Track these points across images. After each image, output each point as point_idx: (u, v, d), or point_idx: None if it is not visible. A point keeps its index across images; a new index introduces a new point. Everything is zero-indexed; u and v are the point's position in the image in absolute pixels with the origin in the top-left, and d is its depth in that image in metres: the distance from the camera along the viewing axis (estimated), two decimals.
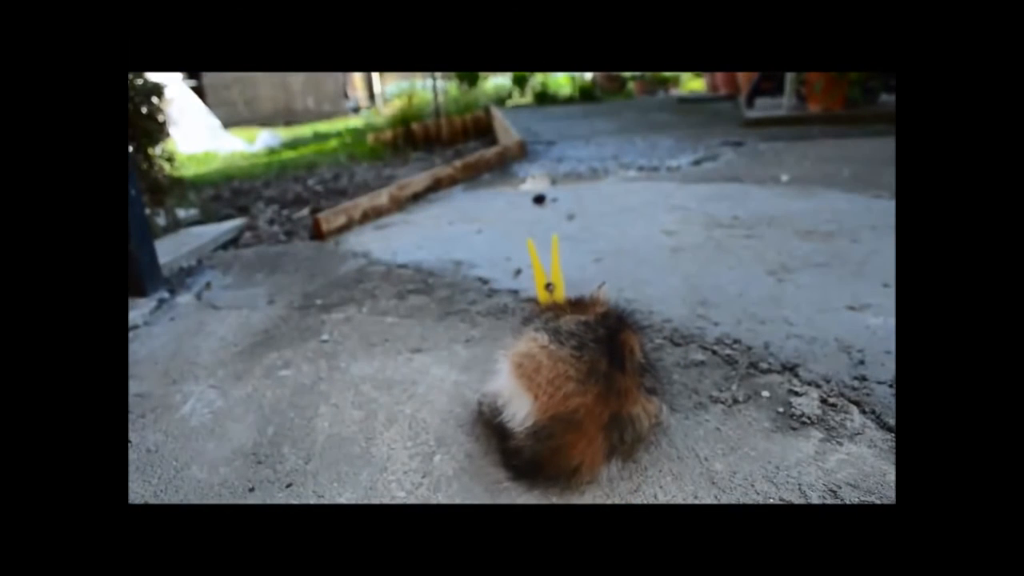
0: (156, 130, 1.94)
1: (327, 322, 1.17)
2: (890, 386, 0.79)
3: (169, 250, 1.69)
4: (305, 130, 6.85)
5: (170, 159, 2.05)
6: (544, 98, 8.59)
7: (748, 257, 1.42)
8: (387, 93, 8.65)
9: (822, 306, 1.08)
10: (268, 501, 0.64)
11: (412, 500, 0.62)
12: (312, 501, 0.64)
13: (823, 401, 0.77)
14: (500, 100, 8.20)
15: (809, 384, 0.81)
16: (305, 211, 2.45)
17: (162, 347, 1.11)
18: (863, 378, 0.82)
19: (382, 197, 2.34)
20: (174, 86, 4.51)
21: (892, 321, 1.00)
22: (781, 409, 0.76)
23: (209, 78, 8.15)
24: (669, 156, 3.28)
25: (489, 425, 0.68)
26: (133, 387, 0.94)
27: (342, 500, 0.63)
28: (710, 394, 0.81)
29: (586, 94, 8.62)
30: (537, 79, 8.94)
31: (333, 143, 5.17)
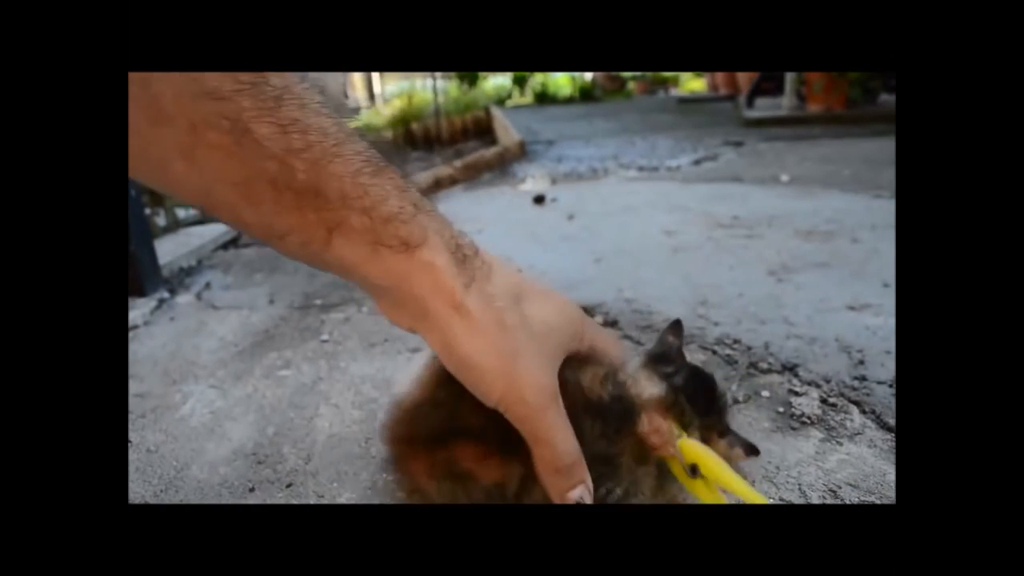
0: None
1: (327, 322, 1.17)
2: (890, 386, 0.79)
3: (169, 250, 1.69)
4: None
5: None
6: (544, 98, 8.60)
7: (748, 257, 1.42)
8: (387, 93, 8.65)
9: (822, 306, 1.08)
10: (268, 501, 0.64)
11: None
12: (312, 501, 0.64)
13: (823, 401, 0.77)
14: (500, 100, 8.20)
15: (809, 384, 0.81)
16: None
17: (162, 347, 1.11)
18: (863, 378, 0.82)
19: None
20: None
21: (892, 321, 1.00)
22: (781, 409, 0.76)
23: None
24: (669, 156, 3.28)
25: None
26: (133, 387, 0.94)
27: (342, 500, 0.63)
28: None
29: (586, 94, 8.63)
30: (537, 79, 8.95)
31: None
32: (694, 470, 0.48)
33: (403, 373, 0.58)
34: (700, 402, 0.53)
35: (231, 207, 0.34)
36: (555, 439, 0.41)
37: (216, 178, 0.32)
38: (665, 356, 0.56)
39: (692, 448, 0.49)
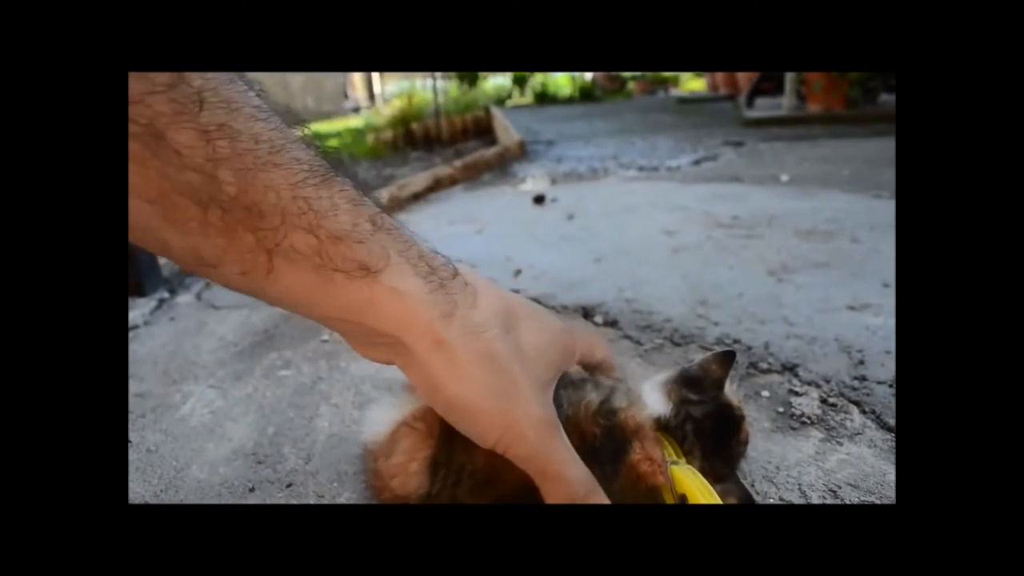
0: None
1: None
2: (890, 386, 0.79)
3: None
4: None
5: None
6: (544, 98, 8.60)
7: (748, 257, 1.42)
8: (387, 93, 8.65)
9: (822, 306, 1.08)
10: (268, 501, 0.64)
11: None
12: (312, 501, 0.64)
13: (823, 401, 0.77)
14: (500, 100, 8.19)
15: (809, 384, 0.81)
16: None
17: (162, 347, 1.11)
18: (863, 378, 0.82)
19: (382, 197, 2.34)
20: None
21: (892, 321, 1.00)
22: (781, 409, 0.76)
23: None
24: (669, 156, 3.28)
25: None
26: (133, 387, 0.94)
27: (342, 500, 0.64)
28: None
29: (586, 94, 8.63)
30: (537, 79, 8.94)
31: (333, 143, 5.17)
32: (683, 501, 0.45)
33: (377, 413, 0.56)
34: (710, 441, 0.52)
35: (152, 230, 0.29)
36: (565, 472, 0.37)
37: (130, 195, 0.28)
38: (696, 382, 0.54)
39: (684, 477, 0.46)
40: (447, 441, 0.48)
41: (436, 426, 0.49)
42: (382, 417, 0.54)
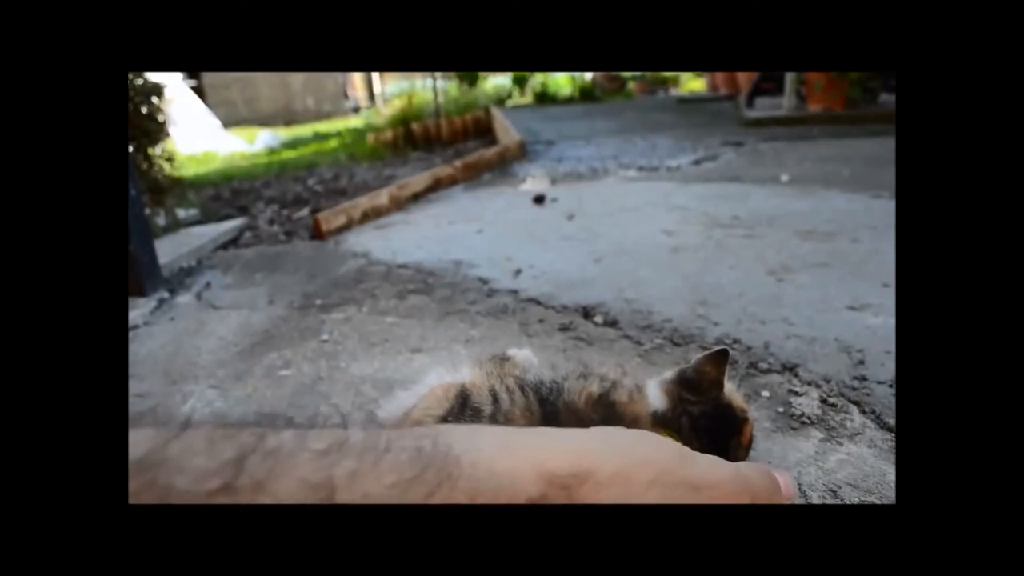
0: (156, 130, 1.94)
1: (327, 322, 1.17)
2: (890, 386, 0.79)
3: (169, 250, 1.70)
4: (305, 130, 6.85)
5: (170, 159, 2.06)
6: (544, 98, 8.60)
7: (748, 257, 1.42)
8: (387, 93, 8.66)
9: (822, 306, 1.08)
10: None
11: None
12: None
13: (823, 401, 0.77)
14: (500, 100, 8.19)
15: (809, 384, 0.81)
16: (305, 211, 2.45)
17: (162, 347, 1.11)
18: (863, 378, 0.82)
19: (382, 197, 2.34)
20: (174, 86, 4.51)
21: (892, 321, 1.00)
22: (781, 409, 0.76)
23: (209, 78, 8.14)
24: (669, 156, 3.28)
25: None
26: (133, 387, 0.94)
27: None
28: None
29: (586, 94, 8.63)
30: (537, 79, 8.94)
31: (333, 143, 5.18)
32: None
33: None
34: (706, 440, 0.53)
35: None
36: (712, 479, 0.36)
37: None
38: (693, 384, 0.55)
39: None
40: (459, 406, 0.54)
41: (452, 392, 0.55)
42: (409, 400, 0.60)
